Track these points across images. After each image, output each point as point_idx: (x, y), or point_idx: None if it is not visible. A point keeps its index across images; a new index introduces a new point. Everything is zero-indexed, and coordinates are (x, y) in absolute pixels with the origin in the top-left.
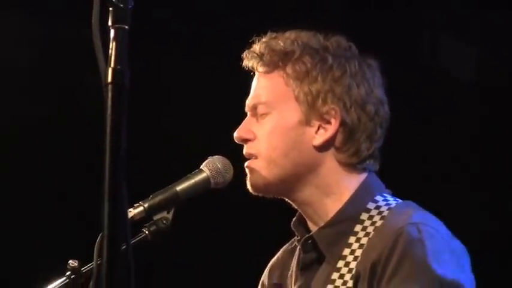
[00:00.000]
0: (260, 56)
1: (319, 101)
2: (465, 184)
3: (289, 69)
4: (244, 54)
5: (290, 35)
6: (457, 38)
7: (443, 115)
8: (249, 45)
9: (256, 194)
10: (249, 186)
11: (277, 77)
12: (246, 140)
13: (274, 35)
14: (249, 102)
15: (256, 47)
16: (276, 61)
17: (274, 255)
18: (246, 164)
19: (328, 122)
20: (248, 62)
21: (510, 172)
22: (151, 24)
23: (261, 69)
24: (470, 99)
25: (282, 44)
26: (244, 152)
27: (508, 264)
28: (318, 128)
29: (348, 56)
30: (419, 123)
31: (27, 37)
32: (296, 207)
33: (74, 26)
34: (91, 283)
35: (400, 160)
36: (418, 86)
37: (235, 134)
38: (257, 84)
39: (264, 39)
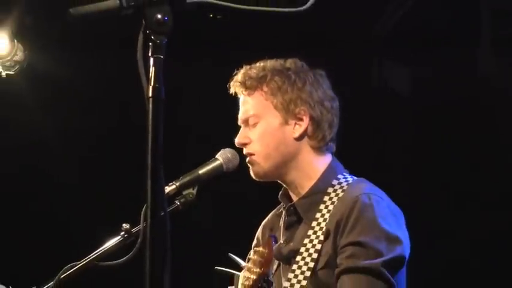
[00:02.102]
0: (243, 84)
1: (292, 106)
2: (398, 172)
3: (265, 88)
4: (229, 84)
5: (260, 64)
6: (397, 63)
7: (386, 121)
8: (231, 77)
9: (258, 180)
10: (252, 175)
11: (258, 95)
12: (245, 144)
13: (248, 66)
14: (241, 116)
15: (238, 77)
16: (255, 85)
17: (265, 218)
18: (247, 159)
19: (301, 119)
20: (234, 89)
21: (437, 162)
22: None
23: (245, 92)
24: (407, 107)
25: (256, 71)
26: (244, 152)
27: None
28: (295, 125)
29: (304, 71)
30: (370, 127)
31: (96, 69)
32: (283, 185)
33: (126, 57)
34: (139, 240)
35: (355, 149)
36: (369, 100)
37: (236, 141)
38: (244, 103)
39: (242, 71)
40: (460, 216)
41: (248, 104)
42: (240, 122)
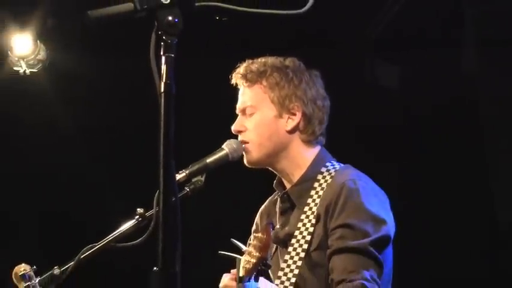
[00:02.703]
0: (244, 76)
1: (287, 101)
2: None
3: (264, 83)
4: (232, 74)
5: (261, 60)
6: (387, 62)
7: (377, 112)
8: (234, 69)
9: (250, 166)
10: (245, 162)
11: (257, 88)
12: (240, 131)
13: (250, 61)
14: (239, 106)
15: (240, 70)
16: (255, 78)
17: (262, 204)
18: (243, 147)
19: (294, 114)
20: (235, 80)
21: (418, 150)
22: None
23: (245, 84)
24: (396, 101)
25: (257, 66)
26: (239, 140)
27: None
28: (288, 119)
29: (301, 70)
30: (361, 118)
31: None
32: (276, 173)
33: (139, 56)
34: (152, 223)
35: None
36: (362, 95)
37: (232, 128)
38: (243, 94)
39: (244, 64)
40: (442, 205)
41: (247, 95)
42: (237, 111)
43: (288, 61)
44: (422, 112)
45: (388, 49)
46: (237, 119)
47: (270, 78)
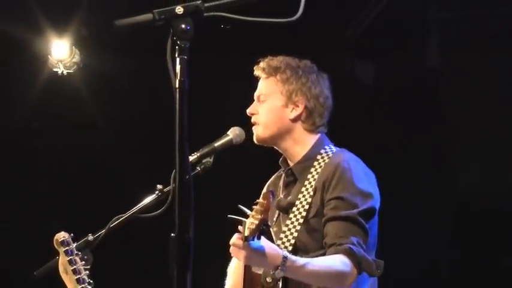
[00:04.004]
0: (263, 69)
1: (293, 95)
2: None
3: (278, 77)
4: (254, 67)
5: (279, 58)
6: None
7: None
8: (256, 63)
9: (258, 144)
10: (254, 140)
11: (272, 81)
12: (253, 114)
13: (271, 57)
14: (256, 93)
15: (261, 64)
16: (272, 72)
17: (269, 179)
18: (253, 127)
19: (298, 106)
20: (256, 72)
21: (388, 136)
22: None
23: (263, 76)
24: (371, 93)
25: (275, 63)
26: (252, 121)
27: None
28: (292, 109)
29: (311, 71)
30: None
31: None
32: (281, 152)
33: (157, 58)
34: (169, 197)
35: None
36: (342, 88)
37: (247, 110)
38: (261, 84)
39: (266, 60)
40: (405, 185)
41: (263, 85)
42: (255, 97)
43: (302, 62)
44: (393, 100)
45: (365, 49)
46: (252, 104)
47: (283, 74)
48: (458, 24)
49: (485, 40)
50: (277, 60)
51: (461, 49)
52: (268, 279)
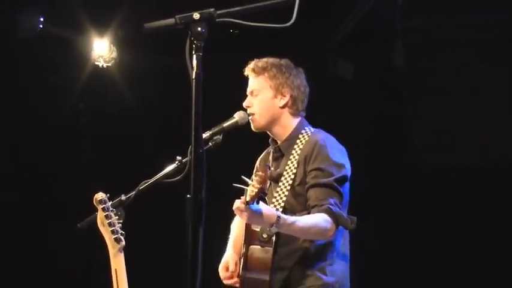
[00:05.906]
0: (253, 70)
1: (281, 87)
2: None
3: (266, 75)
4: (245, 68)
5: (264, 59)
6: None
7: (336, 97)
8: (246, 64)
9: (255, 131)
10: (252, 128)
11: (261, 78)
12: (248, 106)
13: (258, 59)
14: (249, 89)
15: (250, 65)
16: (260, 71)
17: (261, 154)
18: (250, 117)
19: (285, 96)
20: (247, 72)
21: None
22: None
23: (253, 75)
24: (351, 89)
25: (262, 63)
26: (248, 112)
27: None
28: (280, 99)
29: (291, 67)
30: (329, 102)
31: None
32: (270, 135)
33: (177, 54)
34: (186, 168)
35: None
36: (326, 84)
37: (244, 104)
38: (252, 82)
39: (254, 61)
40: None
41: (255, 83)
42: (248, 93)
43: (283, 61)
44: (368, 92)
45: (347, 49)
46: (247, 98)
47: (270, 72)
48: (420, 31)
49: (440, 44)
50: (263, 62)
51: (421, 50)
52: (264, 235)
